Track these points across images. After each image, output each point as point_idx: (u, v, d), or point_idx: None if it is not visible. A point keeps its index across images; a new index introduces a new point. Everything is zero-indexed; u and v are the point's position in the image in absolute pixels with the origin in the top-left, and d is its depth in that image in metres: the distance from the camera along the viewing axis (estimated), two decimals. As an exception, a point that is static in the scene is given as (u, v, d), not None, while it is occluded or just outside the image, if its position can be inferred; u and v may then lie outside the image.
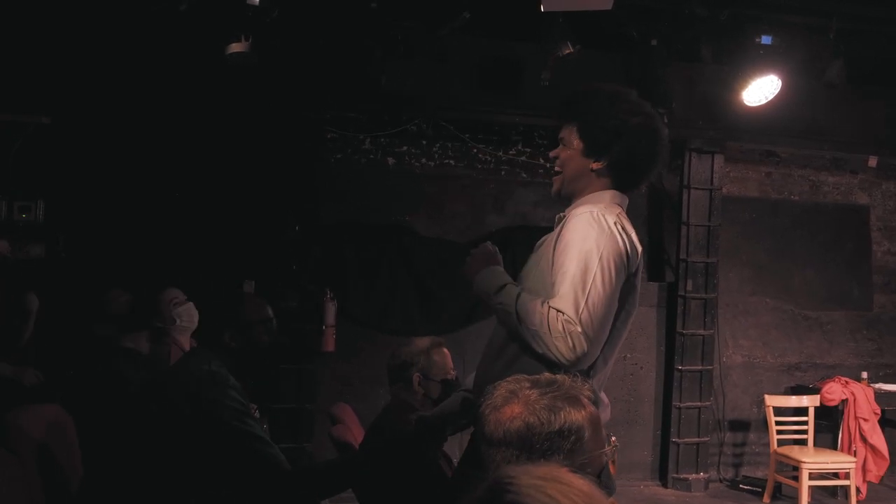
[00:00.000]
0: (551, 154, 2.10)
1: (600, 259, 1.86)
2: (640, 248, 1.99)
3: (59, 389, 3.25)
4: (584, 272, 1.85)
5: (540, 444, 1.27)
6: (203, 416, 2.02)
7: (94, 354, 3.13)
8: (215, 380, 2.08)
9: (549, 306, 1.84)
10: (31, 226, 4.32)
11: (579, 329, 1.81)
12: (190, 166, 4.51)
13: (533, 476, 0.93)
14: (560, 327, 1.81)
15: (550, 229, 2.13)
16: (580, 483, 0.93)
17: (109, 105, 4.36)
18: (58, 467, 2.29)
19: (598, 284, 1.85)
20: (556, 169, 2.08)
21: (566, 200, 2.08)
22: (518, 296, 1.91)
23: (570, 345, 1.80)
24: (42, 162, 4.37)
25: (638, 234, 2.02)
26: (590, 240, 1.88)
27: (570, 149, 2.03)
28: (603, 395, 1.97)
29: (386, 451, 2.22)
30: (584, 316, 1.82)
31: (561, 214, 2.08)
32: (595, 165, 2.00)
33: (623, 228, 1.95)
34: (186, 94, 4.37)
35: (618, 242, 1.90)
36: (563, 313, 1.82)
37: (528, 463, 1.24)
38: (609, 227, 1.91)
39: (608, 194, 2.02)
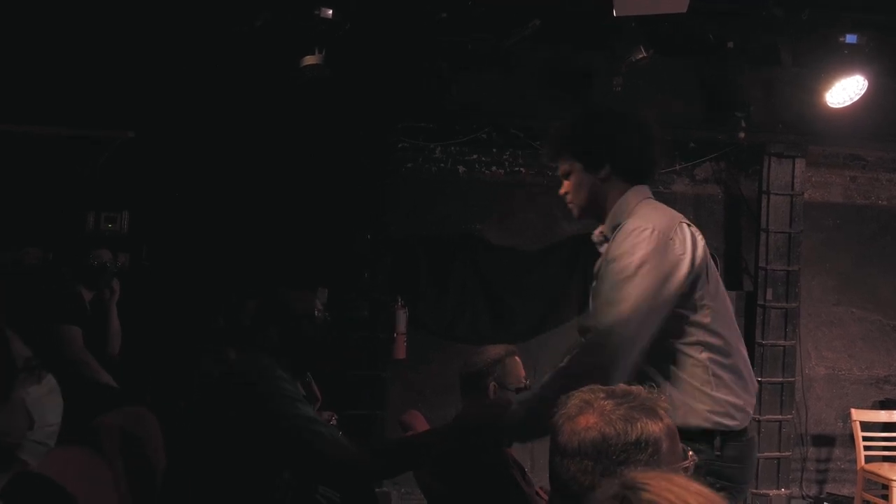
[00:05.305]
0: (561, 192, 2.15)
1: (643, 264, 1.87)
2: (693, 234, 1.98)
3: (147, 393, 3.39)
4: (622, 281, 1.87)
5: (616, 456, 1.25)
6: (258, 410, 2.06)
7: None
8: (262, 374, 2.13)
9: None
10: (116, 236, 4.52)
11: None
12: (264, 177, 4.63)
13: (664, 479, 0.95)
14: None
15: None
16: (704, 490, 0.96)
17: (189, 119, 4.53)
18: (144, 468, 2.37)
19: (638, 283, 1.85)
20: (569, 200, 2.12)
21: (597, 220, 2.13)
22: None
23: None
24: (127, 174, 4.57)
25: (714, 241, 2.03)
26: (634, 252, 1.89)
27: (574, 174, 2.08)
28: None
29: (452, 434, 2.20)
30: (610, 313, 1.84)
31: (599, 236, 2.12)
32: (603, 174, 2.04)
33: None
34: (262, 107, 4.50)
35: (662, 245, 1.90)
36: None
37: (602, 475, 1.22)
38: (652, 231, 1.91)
39: (630, 195, 2.04)
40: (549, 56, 4.71)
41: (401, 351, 4.75)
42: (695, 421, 1.91)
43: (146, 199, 4.59)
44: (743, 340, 2.05)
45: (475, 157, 5.10)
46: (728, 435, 1.93)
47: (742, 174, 5.40)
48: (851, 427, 4.89)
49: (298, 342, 2.26)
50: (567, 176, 2.11)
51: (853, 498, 4.93)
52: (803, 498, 5.29)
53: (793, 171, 5.17)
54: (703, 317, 1.92)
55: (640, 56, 4.13)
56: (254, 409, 2.06)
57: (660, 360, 1.93)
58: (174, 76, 4.38)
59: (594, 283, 2.06)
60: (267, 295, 2.37)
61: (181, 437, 2.34)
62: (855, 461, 4.89)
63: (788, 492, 5.15)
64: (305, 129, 4.65)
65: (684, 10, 3.14)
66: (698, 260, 1.92)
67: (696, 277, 1.91)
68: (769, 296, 5.13)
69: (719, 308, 1.96)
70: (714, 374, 1.92)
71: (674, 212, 2.02)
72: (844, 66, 4.36)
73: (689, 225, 1.98)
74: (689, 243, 1.92)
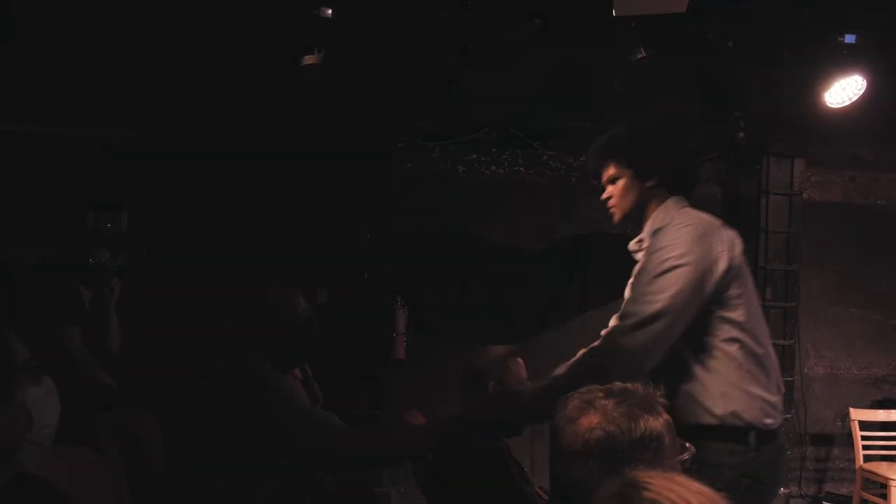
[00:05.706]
0: (603, 197, 2.21)
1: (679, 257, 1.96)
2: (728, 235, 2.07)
3: (147, 392, 3.38)
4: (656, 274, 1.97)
5: (622, 454, 1.25)
6: (254, 406, 2.07)
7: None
8: (252, 371, 2.15)
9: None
10: (116, 236, 4.50)
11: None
12: (265, 177, 4.62)
13: (665, 478, 0.97)
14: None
15: (622, 236, 2.24)
16: (704, 489, 0.97)
17: (189, 119, 4.52)
18: (144, 468, 2.38)
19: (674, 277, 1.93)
20: (613, 204, 2.19)
21: (635, 226, 2.20)
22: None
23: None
24: (127, 174, 4.56)
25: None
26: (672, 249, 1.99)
27: (623, 179, 2.16)
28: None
29: (454, 428, 2.20)
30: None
31: (636, 245, 2.17)
32: (651, 183, 2.13)
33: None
34: (261, 107, 4.50)
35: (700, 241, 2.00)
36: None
37: (607, 475, 1.22)
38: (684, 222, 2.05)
39: (671, 202, 2.14)
40: (549, 56, 4.71)
41: (400, 351, 4.75)
42: (730, 411, 1.95)
43: (146, 199, 4.58)
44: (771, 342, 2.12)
45: (474, 156, 5.10)
46: (764, 435, 1.97)
47: (741, 174, 5.39)
48: (850, 426, 4.90)
49: (278, 335, 2.28)
50: (613, 181, 2.19)
51: (852, 497, 4.93)
52: (802, 497, 5.30)
53: (792, 171, 5.17)
54: (739, 315, 1.99)
55: (640, 56, 4.13)
56: (250, 405, 2.07)
57: (696, 355, 1.99)
58: (174, 76, 4.38)
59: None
60: (248, 291, 2.39)
61: (181, 437, 2.34)
62: (853, 460, 4.90)
63: (787, 491, 5.15)
64: (305, 128, 4.64)
65: (684, 10, 3.15)
66: (736, 260, 2.01)
67: (733, 277, 1.99)
68: (768, 295, 5.13)
69: (753, 308, 2.04)
70: (748, 371, 1.98)
71: (712, 217, 2.12)
72: (843, 66, 4.37)
73: (727, 228, 2.08)
74: (727, 243, 2.01)
